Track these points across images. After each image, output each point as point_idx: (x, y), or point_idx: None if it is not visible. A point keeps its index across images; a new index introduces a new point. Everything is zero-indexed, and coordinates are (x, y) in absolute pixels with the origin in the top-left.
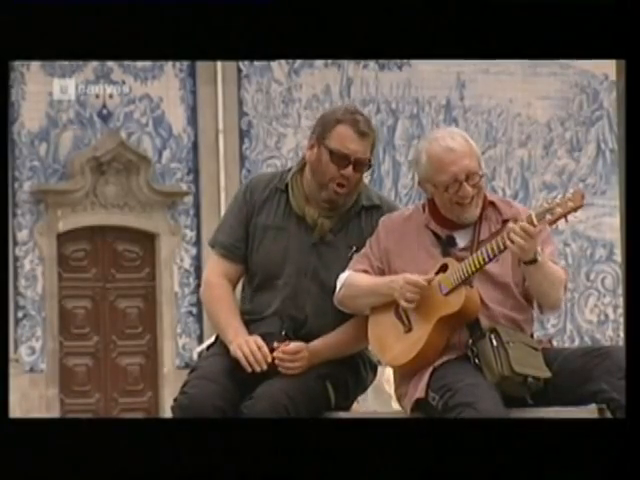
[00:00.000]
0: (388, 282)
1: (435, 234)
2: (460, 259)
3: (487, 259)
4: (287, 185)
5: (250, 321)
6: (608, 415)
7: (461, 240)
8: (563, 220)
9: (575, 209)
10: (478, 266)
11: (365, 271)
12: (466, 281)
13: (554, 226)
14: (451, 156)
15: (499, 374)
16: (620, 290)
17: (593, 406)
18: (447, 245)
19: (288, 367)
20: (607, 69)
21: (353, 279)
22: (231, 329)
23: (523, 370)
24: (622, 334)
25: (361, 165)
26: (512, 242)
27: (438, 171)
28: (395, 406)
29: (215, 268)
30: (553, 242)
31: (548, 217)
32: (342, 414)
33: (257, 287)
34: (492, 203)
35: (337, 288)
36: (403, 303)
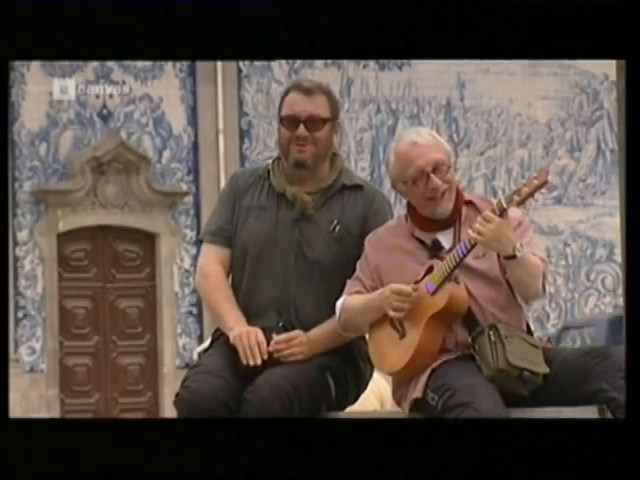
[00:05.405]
0: (378, 295)
1: (421, 241)
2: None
3: (465, 251)
4: (269, 171)
5: (247, 319)
6: (608, 415)
7: (446, 242)
8: (532, 201)
9: (540, 186)
10: (458, 260)
11: (359, 292)
12: (450, 277)
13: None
14: (416, 150)
15: (495, 367)
16: (620, 290)
17: (593, 406)
18: (434, 249)
19: (287, 355)
20: (607, 69)
21: (348, 302)
22: (231, 317)
23: (519, 363)
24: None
25: (314, 122)
26: (479, 234)
27: (405, 166)
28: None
29: (206, 255)
30: (529, 233)
31: (516, 198)
32: (342, 414)
33: (246, 286)
34: (471, 202)
35: (337, 315)
36: (391, 313)
